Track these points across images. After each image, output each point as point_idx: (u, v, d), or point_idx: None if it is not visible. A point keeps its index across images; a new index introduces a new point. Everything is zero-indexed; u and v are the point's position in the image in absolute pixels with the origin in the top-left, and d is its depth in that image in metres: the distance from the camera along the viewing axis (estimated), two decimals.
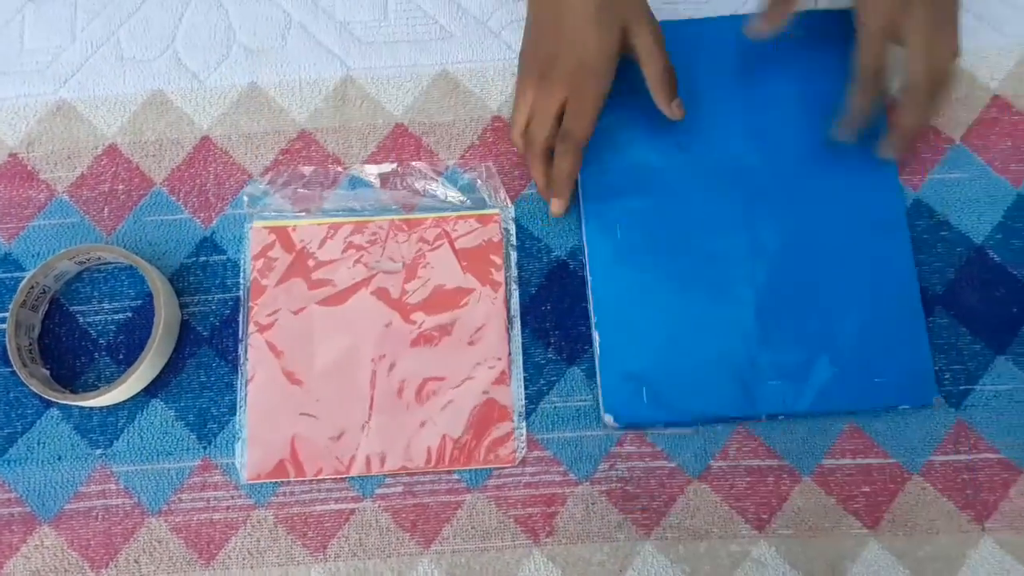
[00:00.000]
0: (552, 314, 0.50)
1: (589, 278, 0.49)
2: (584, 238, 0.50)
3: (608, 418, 0.48)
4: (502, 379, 0.48)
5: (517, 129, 0.48)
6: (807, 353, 0.48)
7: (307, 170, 0.51)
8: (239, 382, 0.48)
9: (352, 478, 0.47)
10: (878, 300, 0.49)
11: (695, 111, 0.50)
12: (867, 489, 0.47)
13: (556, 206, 0.49)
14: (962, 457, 0.47)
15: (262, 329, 0.49)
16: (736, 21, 0.52)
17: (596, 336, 0.49)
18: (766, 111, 0.52)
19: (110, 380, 0.48)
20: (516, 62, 0.53)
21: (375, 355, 0.48)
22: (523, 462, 0.48)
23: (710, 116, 0.51)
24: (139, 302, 0.50)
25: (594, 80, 0.46)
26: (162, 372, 0.48)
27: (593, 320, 0.49)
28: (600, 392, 0.48)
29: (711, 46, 0.52)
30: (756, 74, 0.52)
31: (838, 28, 0.51)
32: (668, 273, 0.49)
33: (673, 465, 0.48)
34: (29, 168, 0.52)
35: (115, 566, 0.46)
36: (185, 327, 0.49)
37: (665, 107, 0.48)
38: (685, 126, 0.50)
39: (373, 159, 0.51)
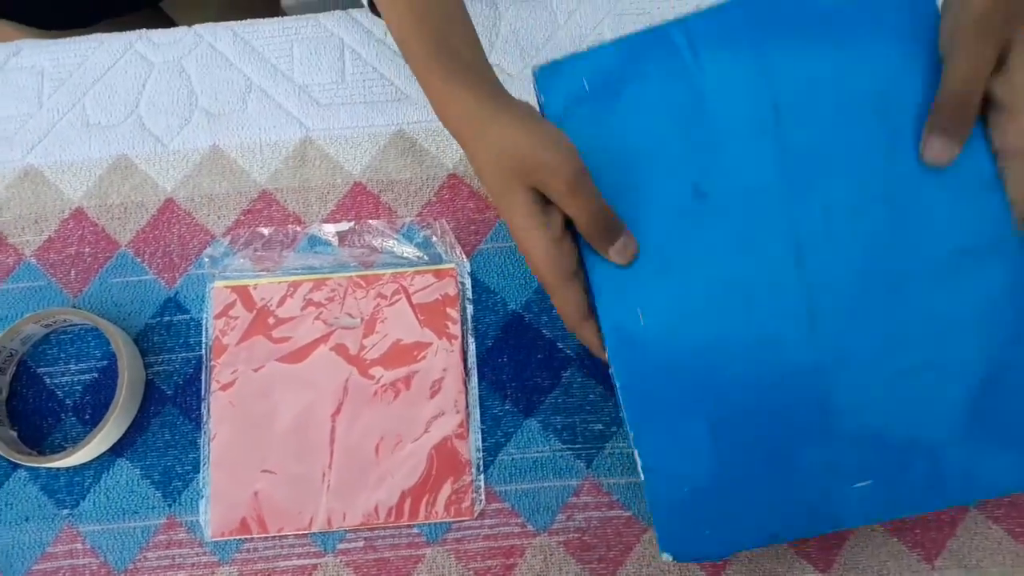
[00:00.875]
0: (508, 366, 0.51)
1: (617, 385, 0.42)
2: (605, 341, 0.42)
3: (667, 556, 0.42)
4: (460, 432, 0.49)
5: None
6: (902, 441, 0.40)
7: (267, 231, 0.52)
8: (202, 440, 0.49)
9: (314, 534, 0.48)
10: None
11: (708, 139, 0.41)
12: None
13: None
14: None
15: (224, 387, 0.50)
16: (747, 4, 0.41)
17: (636, 457, 0.41)
18: (807, 125, 0.41)
19: (77, 440, 0.49)
20: None
21: (334, 411, 0.49)
22: (482, 515, 0.48)
23: (729, 142, 0.41)
24: (105, 362, 0.51)
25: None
26: (127, 431, 0.49)
27: (630, 436, 0.41)
28: (654, 525, 0.42)
29: (716, 39, 0.42)
30: (786, 73, 0.41)
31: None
32: (712, 365, 0.41)
33: (629, 514, 0.48)
34: None
35: None
36: (150, 386, 0.50)
37: (605, 255, 0.41)
38: (701, 164, 0.41)
39: (332, 217, 0.53)
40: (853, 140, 0.41)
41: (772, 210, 0.41)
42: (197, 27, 0.57)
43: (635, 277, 0.42)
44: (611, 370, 0.42)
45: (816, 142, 0.41)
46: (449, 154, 0.54)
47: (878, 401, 0.40)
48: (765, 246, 0.41)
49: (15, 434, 0.50)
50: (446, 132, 0.54)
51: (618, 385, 0.42)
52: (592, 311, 0.43)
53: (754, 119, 0.42)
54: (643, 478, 0.42)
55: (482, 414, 0.50)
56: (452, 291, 0.51)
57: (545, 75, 0.44)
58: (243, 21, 0.57)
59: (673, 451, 0.42)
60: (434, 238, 0.52)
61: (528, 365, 0.51)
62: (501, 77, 0.56)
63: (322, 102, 0.55)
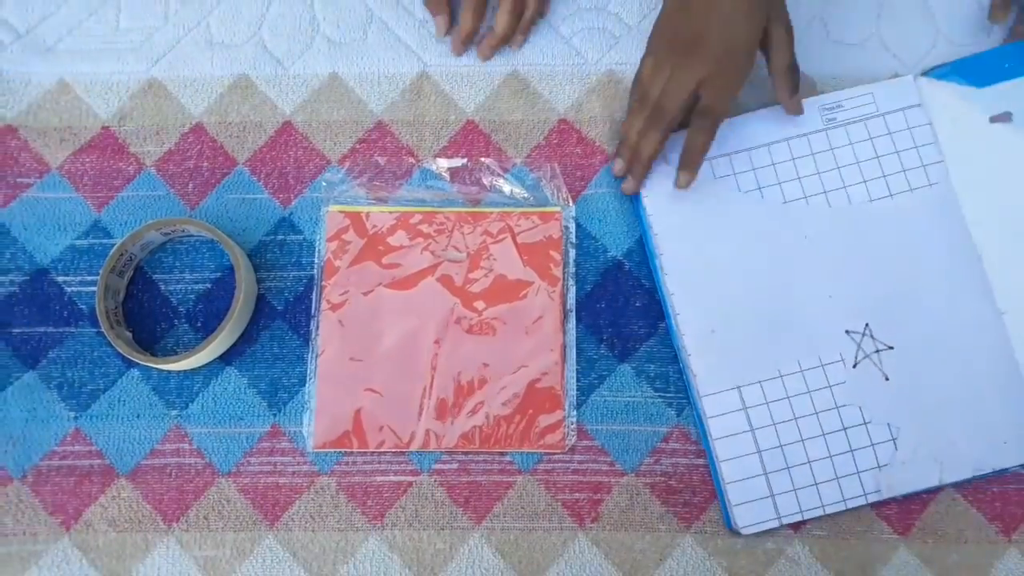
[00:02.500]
0: (606, 312, 0.52)
1: (690, 370, 0.50)
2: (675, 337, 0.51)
3: (743, 530, 0.48)
4: (556, 370, 0.51)
5: (644, 98, 0.50)
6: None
7: (382, 160, 0.53)
8: (309, 355, 0.51)
9: (411, 452, 0.50)
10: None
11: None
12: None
13: (684, 180, 0.50)
14: None
15: (334, 307, 0.51)
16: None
17: (712, 437, 0.49)
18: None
19: (188, 346, 0.51)
20: (584, 69, 0.55)
21: (437, 338, 0.51)
22: (572, 450, 0.50)
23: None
24: (218, 274, 0.53)
25: (740, 63, 0.49)
26: (237, 342, 0.51)
27: (708, 427, 0.49)
28: (728, 504, 0.48)
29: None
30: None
31: None
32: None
33: None
34: (120, 141, 0.55)
35: (186, 520, 0.49)
36: (261, 301, 0.52)
37: (786, 100, 0.51)
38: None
39: (444, 153, 0.54)
40: None
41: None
42: None
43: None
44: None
45: None
46: (561, 98, 0.55)
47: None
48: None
49: (131, 335, 0.52)
50: (559, 75, 0.55)
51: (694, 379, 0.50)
52: None
53: None
54: (716, 454, 0.49)
55: (578, 355, 0.51)
56: (556, 233, 0.53)
57: None
58: None
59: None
60: (542, 181, 0.53)
61: (625, 312, 0.52)
62: (619, 27, 0.57)
63: (440, 38, 0.56)
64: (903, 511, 0.49)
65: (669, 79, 0.49)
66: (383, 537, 0.49)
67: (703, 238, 0.52)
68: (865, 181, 0.53)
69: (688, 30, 0.48)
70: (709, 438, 0.49)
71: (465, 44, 0.55)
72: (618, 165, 0.52)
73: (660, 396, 0.51)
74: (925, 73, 0.55)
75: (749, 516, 0.48)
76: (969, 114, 0.54)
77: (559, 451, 0.50)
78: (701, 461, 0.50)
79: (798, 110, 0.52)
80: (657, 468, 0.50)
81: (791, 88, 0.51)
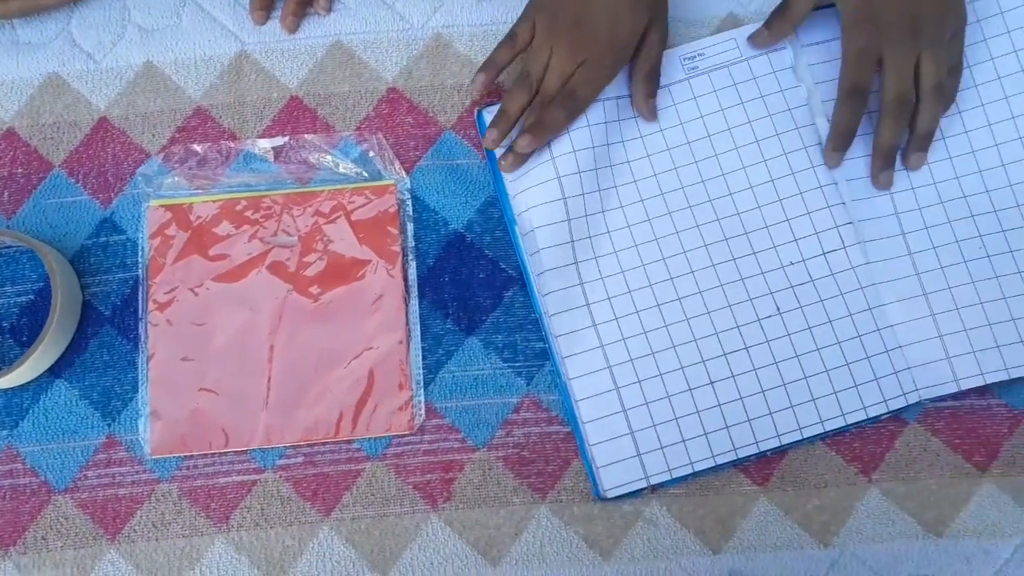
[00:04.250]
0: (450, 285, 0.50)
1: (548, 325, 0.49)
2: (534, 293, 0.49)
3: (608, 493, 0.47)
4: (400, 349, 0.49)
5: (526, 75, 0.49)
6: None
7: (200, 147, 0.51)
8: (140, 359, 0.49)
9: (253, 450, 0.48)
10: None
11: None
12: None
13: (524, 144, 0.49)
14: None
15: (161, 307, 0.49)
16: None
17: (573, 390, 0.48)
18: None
19: (14, 362, 0.49)
20: (410, 34, 0.53)
21: (273, 329, 0.49)
22: (422, 430, 0.48)
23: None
24: (40, 284, 0.50)
25: (619, 56, 0.49)
26: (65, 353, 0.49)
27: (571, 389, 0.48)
28: (593, 466, 0.47)
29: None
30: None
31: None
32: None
33: (568, 430, 0.48)
34: None
35: (23, 543, 0.47)
36: (87, 307, 0.50)
37: (641, 104, 0.50)
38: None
39: (268, 133, 0.51)
40: None
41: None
42: None
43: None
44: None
45: None
46: (388, 66, 0.53)
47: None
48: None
49: None
50: (384, 42, 0.53)
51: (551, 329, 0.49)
52: None
53: None
54: (581, 414, 0.48)
55: (423, 332, 0.50)
56: (392, 208, 0.50)
57: None
58: None
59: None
60: (371, 153, 0.51)
61: (470, 284, 0.50)
62: None
63: None
64: (761, 462, 0.48)
65: (552, 59, 0.48)
66: (229, 539, 0.47)
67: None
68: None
69: (571, 13, 0.48)
70: (572, 400, 0.48)
71: (260, 10, 0.52)
72: (492, 136, 0.49)
73: (509, 366, 0.49)
74: None
75: (615, 478, 0.47)
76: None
77: (408, 433, 0.48)
78: (553, 429, 0.48)
79: (652, 115, 0.51)
80: (509, 440, 0.48)
81: (649, 92, 0.50)
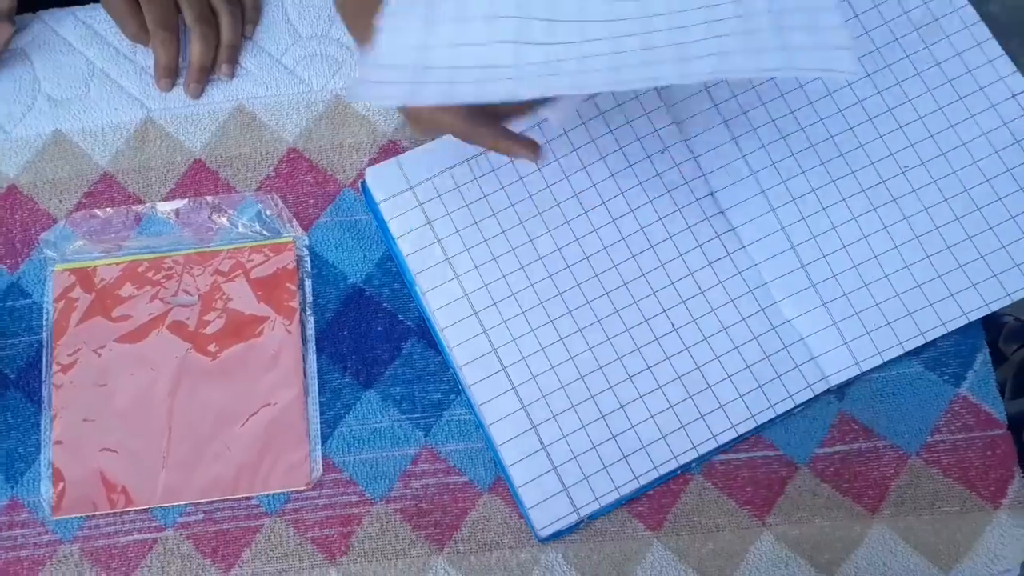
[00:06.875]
0: (349, 339, 0.51)
1: (457, 370, 0.50)
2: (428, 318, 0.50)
3: (542, 532, 0.47)
4: (297, 405, 0.49)
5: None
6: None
7: (102, 212, 0.52)
8: (44, 421, 0.50)
9: (154, 509, 0.49)
10: None
11: None
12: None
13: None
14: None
15: (65, 368, 0.50)
16: None
17: (493, 436, 0.48)
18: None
19: None
20: (310, 96, 0.55)
21: (172, 388, 0.50)
22: (320, 485, 0.49)
23: None
24: None
25: None
26: None
27: (484, 418, 0.48)
28: (524, 508, 0.47)
29: None
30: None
31: None
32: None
33: (465, 479, 0.49)
34: None
35: None
36: None
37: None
38: None
39: (171, 196, 0.53)
40: None
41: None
42: (41, 13, 0.57)
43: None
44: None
45: None
46: (289, 127, 0.54)
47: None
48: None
49: None
50: (285, 105, 0.54)
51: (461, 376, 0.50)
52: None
53: None
54: (503, 456, 0.48)
55: (321, 387, 0.50)
56: (290, 265, 0.52)
57: None
58: (85, 6, 0.56)
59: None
60: (269, 212, 0.52)
61: (368, 337, 0.51)
62: (341, 52, 0.56)
63: None
64: (654, 506, 0.48)
65: None
66: None
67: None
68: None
69: None
70: (495, 445, 0.48)
71: (165, 78, 0.54)
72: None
73: (407, 418, 0.50)
74: None
75: (547, 515, 0.47)
76: None
77: (305, 488, 0.49)
78: (451, 479, 0.49)
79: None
80: (407, 492, 0.49)
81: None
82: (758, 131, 0.53)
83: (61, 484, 0.49)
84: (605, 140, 0.53)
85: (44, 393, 0.50)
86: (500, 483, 0.49)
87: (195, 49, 0.53)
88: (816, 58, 0.38)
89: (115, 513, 0.49)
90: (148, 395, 0.50)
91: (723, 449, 0.48)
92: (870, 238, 0.51)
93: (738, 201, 0.52)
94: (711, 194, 0.52)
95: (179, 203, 0.52)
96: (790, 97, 0.54)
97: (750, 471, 0.48)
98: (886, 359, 0.48)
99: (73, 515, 0.48)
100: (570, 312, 0.50)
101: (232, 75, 0.55)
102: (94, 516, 0.49)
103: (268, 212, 0.52)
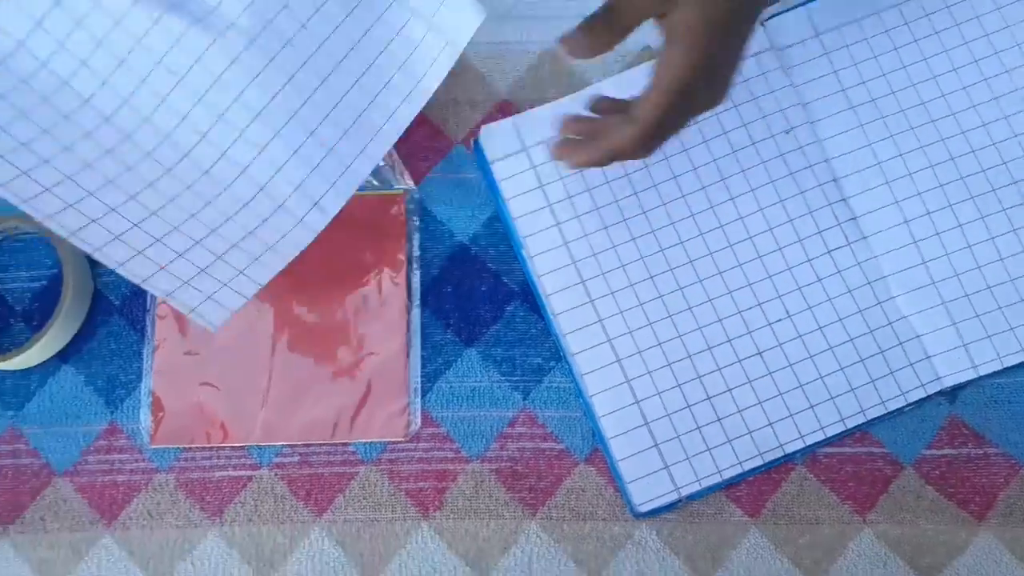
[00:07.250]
0: (453, 296, 0.50)
1: (564, 342, 0.49)
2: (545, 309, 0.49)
3: (640, 508, 0.47)
4: (400, 356, 0.49)
5: None
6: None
7: None
8: (146, 351, 0.50)
9: (250, 447, 0.49)
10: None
11: None
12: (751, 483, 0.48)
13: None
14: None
15: None
16: None
17: (595, 407, 0.48)
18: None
19: (23, 344, 0.50)
20: None
21: (276, 329, 0.49)
22: (417, 438, 0.49)
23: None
24: (55, 271, 0.51)
25: None
26: (74, 338, 0.50)
27: (586, 389, 0.48)
28: (622, 482, 0.47)
29: None
30: None
31: None
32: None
33: (562, 447, 0.48)
34: None
35: (21, 522, 0.48)
36: (98, 296, 0.51)
37: None
38: None
39: None
40: None
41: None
42: None
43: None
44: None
45: None
46: None
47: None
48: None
49: None
50: None
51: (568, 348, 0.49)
52: None
53: None
54: (604, 429, 0.48)
55: (423, 341, 0.50)
56: (400, 217, 0.51)
57: None
58: None
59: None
60: (382, 162, 0.51)
61: (472, 296, 0.51)
62: None
63: None
64: (754, 493, 0.47)
65: None
66: (222, 533, 0.48)
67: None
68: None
69: None
70: (596, 416, 0.48)
71: None
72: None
73: (507, 380, 0.49)
74: (769, 18, 0.53)
75: (646, 492, 0.47)
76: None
77: (402, 439, 0.49)
78: (547, 445, 0.48)
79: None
80: (503, 454, 0.48)
81: None
82: (886, 120, 0.52)
83: (161, 414, 0.49)
84: (728, 116, 0.51)
85: (147, 323, 0.50)
86: (597, 454, 0.48)
87: None
88: None
89: (212, 447, 0.49)
90: (251, 334, 0.49)
91: (829, 442, 0.47)
92: (997, 240, 0.49)
93: (862, 190, 0.50)
94: (834, 180, 0.50)
95: None
96: (922, 87, 0.52)
97: (854, 466, 0.47)
98: (1006, 365, 0.47)
99: (171, 445, 0.49)
100: (681, 289, 0.49)
101: None
102: (191, 448, 0.49)
103: (381, 162, 0.51)
